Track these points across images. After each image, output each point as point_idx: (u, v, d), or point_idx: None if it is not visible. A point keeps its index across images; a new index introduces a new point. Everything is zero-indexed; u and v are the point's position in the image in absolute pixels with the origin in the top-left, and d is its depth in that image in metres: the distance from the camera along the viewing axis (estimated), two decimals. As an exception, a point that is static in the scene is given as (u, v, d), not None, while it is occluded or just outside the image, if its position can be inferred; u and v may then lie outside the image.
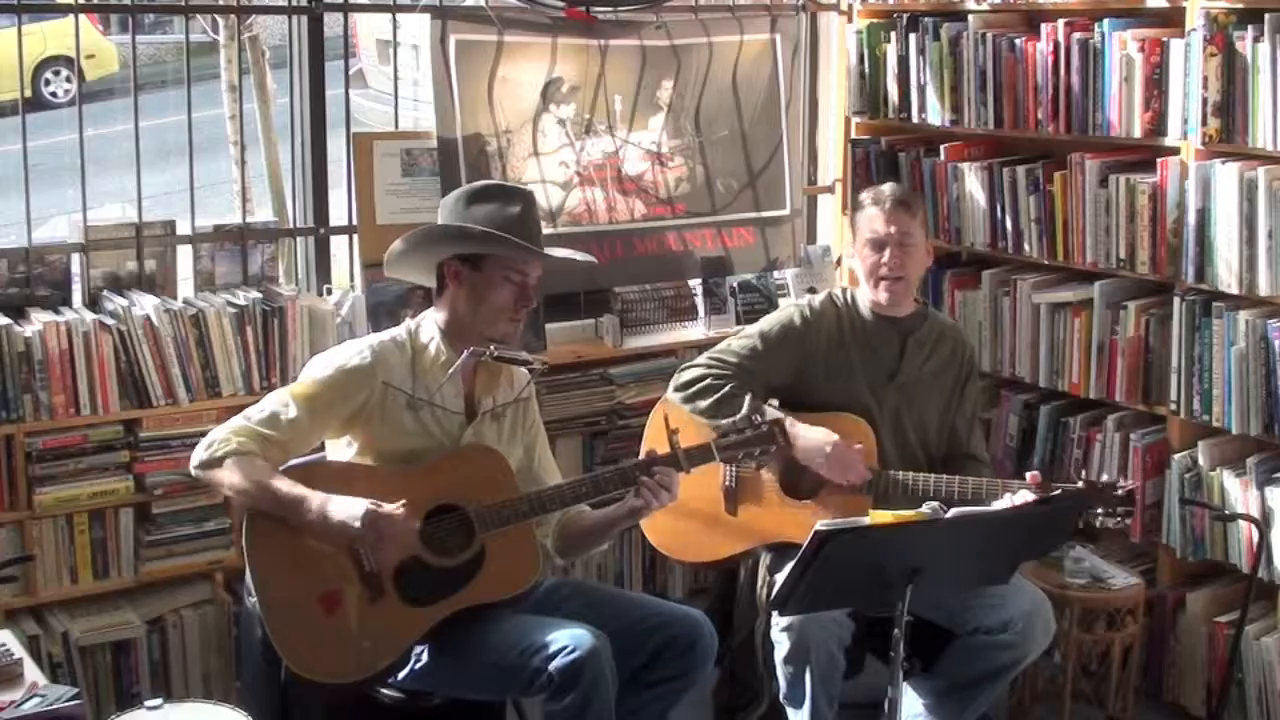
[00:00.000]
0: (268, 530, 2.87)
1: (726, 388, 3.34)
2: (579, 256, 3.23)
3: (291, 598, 2.83)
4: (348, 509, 2.80)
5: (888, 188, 3.50)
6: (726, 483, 3.45)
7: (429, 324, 3.06)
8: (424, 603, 2.88)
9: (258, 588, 2.84)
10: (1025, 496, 3.16)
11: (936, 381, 3.48)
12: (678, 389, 3.44)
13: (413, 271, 3.16)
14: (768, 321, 3.52)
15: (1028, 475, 3.24)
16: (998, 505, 3.17)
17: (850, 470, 3.29)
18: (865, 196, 3.50)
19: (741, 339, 3.48)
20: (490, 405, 3.09)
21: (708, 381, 3.39)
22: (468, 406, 3.07)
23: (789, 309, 3.53)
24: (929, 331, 3.50)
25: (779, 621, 3.14)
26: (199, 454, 2.89)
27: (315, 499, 2.83)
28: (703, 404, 3.36)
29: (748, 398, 3.14)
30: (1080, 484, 3.26)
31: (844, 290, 3.56)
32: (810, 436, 3.31)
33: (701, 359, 3.48)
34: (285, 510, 2.84)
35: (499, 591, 2.93)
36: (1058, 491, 3.15)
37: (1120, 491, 3.22)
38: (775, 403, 3.51)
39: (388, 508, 2.79)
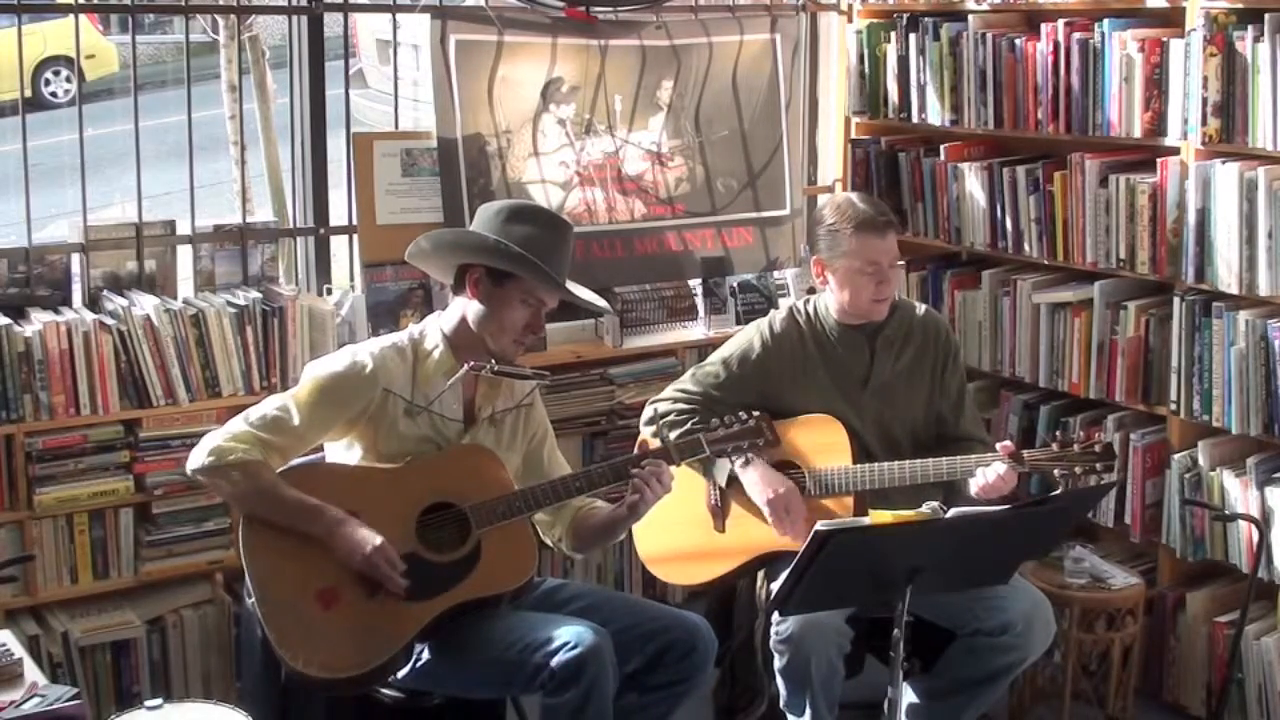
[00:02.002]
0: (265, 528, 2.87)
1: (688, 424, 3.32)
2: (597, 302, 3.23)
3: (289, 595, 2.83)
4: (362, 538, 2.82)
5: (869, 206, 3.33)
6: (712, 501, 3.45)
7: (434, 330, 3.06)
8: (421, 598, 2.88)
9: (254, 585, 2.84)
10: (998, 469, 3.16)
11: (914, 375, 3.44)
12: (646, 423, 3.45)
13: (432, 265, 3.17)
14: (730, 347, 3.49)
15: (999, 446, 3.20)
16: (975, 482, 3.18)
17: (787, 527, 3.26)
18: (848, 224, 3.29)
19: (707, 367, 3.47)
20: (490, 412, 3.10)
21: (670, 418, 3.38)
22: (467, 414, 3.08)
23: (750, 332, 3.49)
24: (898, 327, 3.45)
25: (777, 633, 3.12)
26: (200, 458, 2.89)
27: (327, 516, 2.84)
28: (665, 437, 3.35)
29: (752, 421, 3.11)
30: (1054, 447, 3.20)
31: (805, 302, 3.50)
32: (753, 486, 3.31)
33: (669, 391, 3.47)
34: (293, 520, 2.86)
35: (495, 586, 2.94)
36: (1037, 461, 3.15)
37: (1098, 447, 3.16)
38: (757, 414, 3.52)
39: (391, 558, 2.82)
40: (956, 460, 3.24)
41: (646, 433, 3.44)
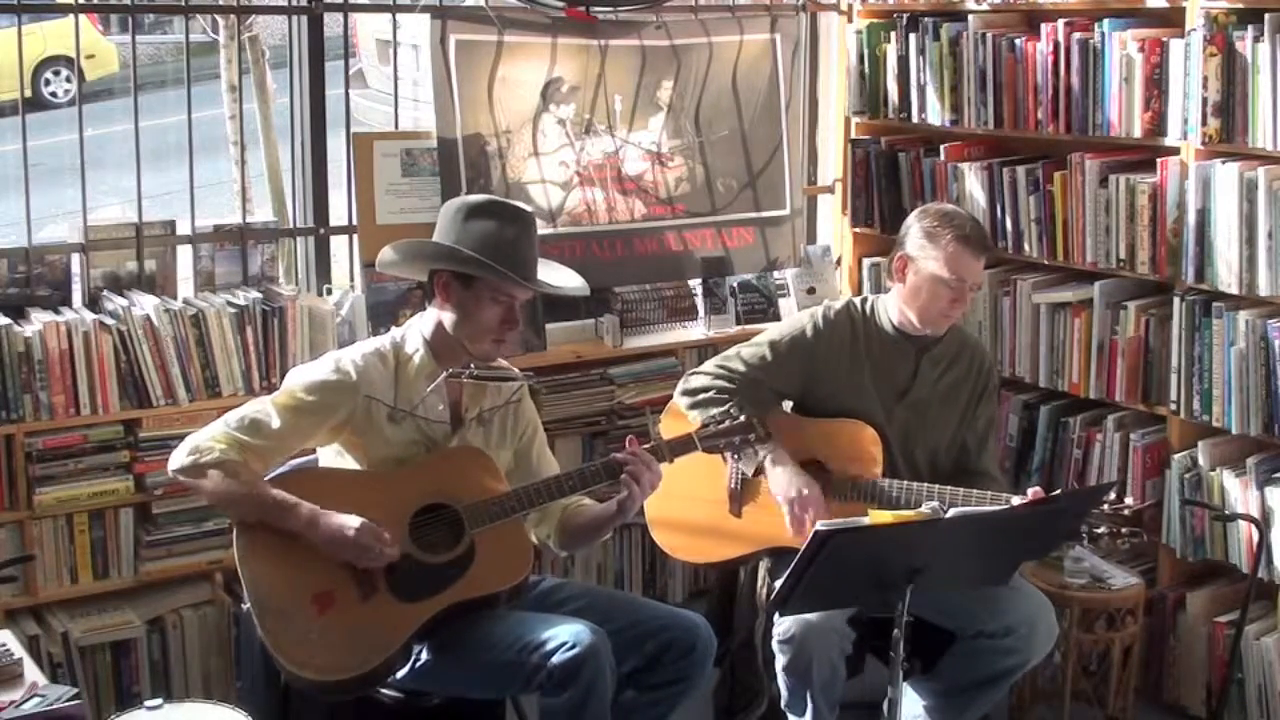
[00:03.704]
0: (258, 535, 2.86)
1: (727, 402, 3.31)
2: (570, 286, 3.17)
3: (284, 600, 2.82)
4: (343, 522, 2.82)
5: (978, 227, 3.33)
6: (731, 485, 3.44)
7: (414, 334, 3.05)
8: (416, 599, 2.88)
9: (250, 591, 2.83)
10: None
11: (950, 398, 3.43)
12: (684, 394, 3.43)
13: (407, 271, 3.18)
14: (780, 329, 3.48)
15: (1029, 491, 3.18)
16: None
17: (799, 529, 3.24)
18: (952, 231, 3.26)
19: (752, 346, 3.45)
20: (477, 412, 3.09)
21: (710, 393, 3.37)
22: (454, 415, 3.07)
23: (803, 318, 3.47)
24: (947, 348, 3.44)
25: (779, 633, 3.12)
26: (180, 458, 2.87)
27: (305, 509, 2.84)
28: (701, 415, 3.34)
29: (742, 417, 3.13)
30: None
31: (864, 300, 3.48)
32: (778, 481, 3.29)
33: (710, 365, 3.45)
34: (273, 517, 2.84)
35: (490, 586, 2.93)
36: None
37: (1127, 511, 3.14)
38: (789, 406, 3.51)
39: (375, 531, 2.81)
40: (987, 495, 3.21)
41: (682, 404, 3.42)
